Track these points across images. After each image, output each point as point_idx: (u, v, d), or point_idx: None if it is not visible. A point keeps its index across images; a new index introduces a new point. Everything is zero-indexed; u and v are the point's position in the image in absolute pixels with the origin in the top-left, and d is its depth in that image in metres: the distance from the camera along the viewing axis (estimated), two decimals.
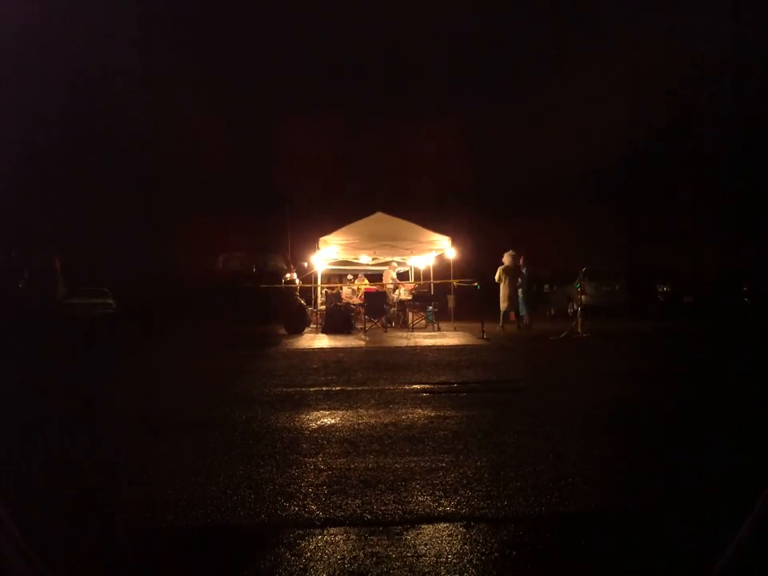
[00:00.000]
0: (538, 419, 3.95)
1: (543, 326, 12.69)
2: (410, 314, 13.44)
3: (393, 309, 13.76)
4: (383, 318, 13.15)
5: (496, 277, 12.83)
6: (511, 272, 12.72)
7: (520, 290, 12.73)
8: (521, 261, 12.88)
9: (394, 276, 15.08)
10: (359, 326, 12.90)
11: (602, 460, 3.05)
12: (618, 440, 3.52)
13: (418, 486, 2.65)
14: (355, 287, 14.86)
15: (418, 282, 15.70)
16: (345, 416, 4.13)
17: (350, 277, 15.78)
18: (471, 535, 2.14)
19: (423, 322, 13.59)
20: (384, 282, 14.79)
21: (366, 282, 15.54)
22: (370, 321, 13.07)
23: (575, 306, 14.21)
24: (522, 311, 12.81)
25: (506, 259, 12.82)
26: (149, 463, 3.11)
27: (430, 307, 13.72)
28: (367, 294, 13.65)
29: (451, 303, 14.30)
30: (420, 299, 13.94)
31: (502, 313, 12.76)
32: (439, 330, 12.57)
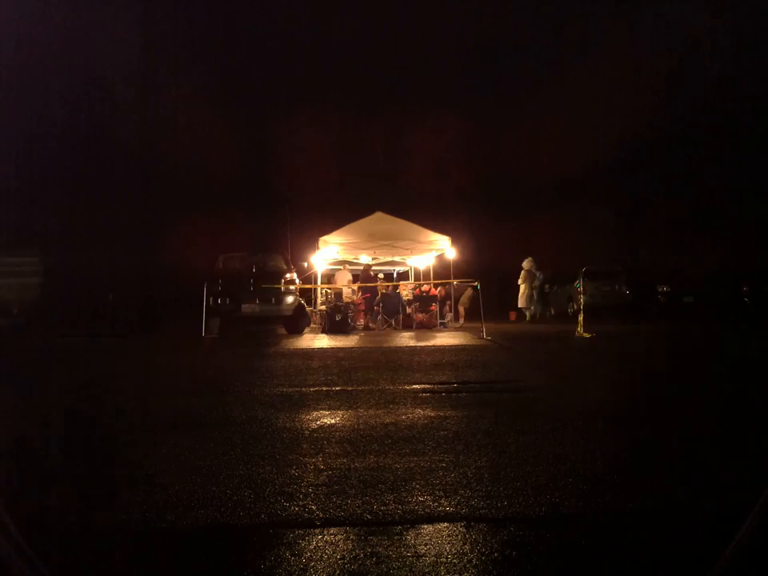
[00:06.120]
0: (538, 419, 3.94)
1: (544, 326, 12.69)
2: (410, 314, 13.44)
3: (412, 308, 13.59)
4: (393, 320, 13.11)
5: (520, 280, 15.83)
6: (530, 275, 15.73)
7: (535, 291, 15.87)
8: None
9: (350, 278, 14.65)
10: (360, 324, 12.88)
11: (602, 460, 3.05)
12: (619, 440, 3.52)
13: (417, 486, 2.65)
14: (379, 284, 14.64)
15: (419, 283, 15.70)
16: (345, 416, 4.13)
17: (381, 276, 15.68)
18: (471, 535, 2.13)
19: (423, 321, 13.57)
20: (338, 284, 14.42)
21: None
22: (373, 320, 13.06)
23: (575, 306, 14.24)
24: (534, 309, 16.06)
25: (526, 264, 15.94)
26: (148, 463, 3.11)
27: (430, 308, 13.68)
28: (384, 295, 13.53)
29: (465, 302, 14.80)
30: (420, 299, 13.93)
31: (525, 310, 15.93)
32: (439, 330, 12.57)
